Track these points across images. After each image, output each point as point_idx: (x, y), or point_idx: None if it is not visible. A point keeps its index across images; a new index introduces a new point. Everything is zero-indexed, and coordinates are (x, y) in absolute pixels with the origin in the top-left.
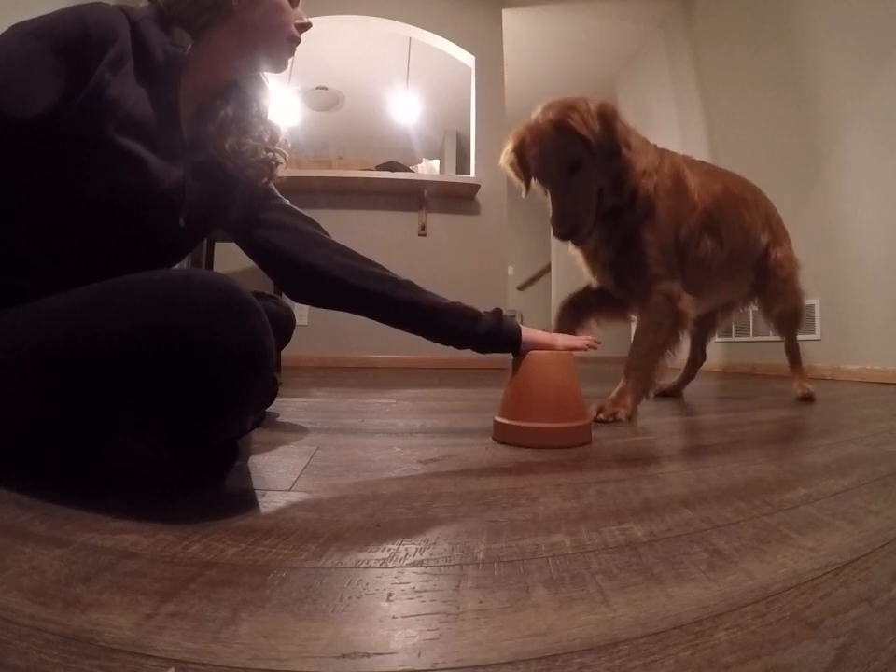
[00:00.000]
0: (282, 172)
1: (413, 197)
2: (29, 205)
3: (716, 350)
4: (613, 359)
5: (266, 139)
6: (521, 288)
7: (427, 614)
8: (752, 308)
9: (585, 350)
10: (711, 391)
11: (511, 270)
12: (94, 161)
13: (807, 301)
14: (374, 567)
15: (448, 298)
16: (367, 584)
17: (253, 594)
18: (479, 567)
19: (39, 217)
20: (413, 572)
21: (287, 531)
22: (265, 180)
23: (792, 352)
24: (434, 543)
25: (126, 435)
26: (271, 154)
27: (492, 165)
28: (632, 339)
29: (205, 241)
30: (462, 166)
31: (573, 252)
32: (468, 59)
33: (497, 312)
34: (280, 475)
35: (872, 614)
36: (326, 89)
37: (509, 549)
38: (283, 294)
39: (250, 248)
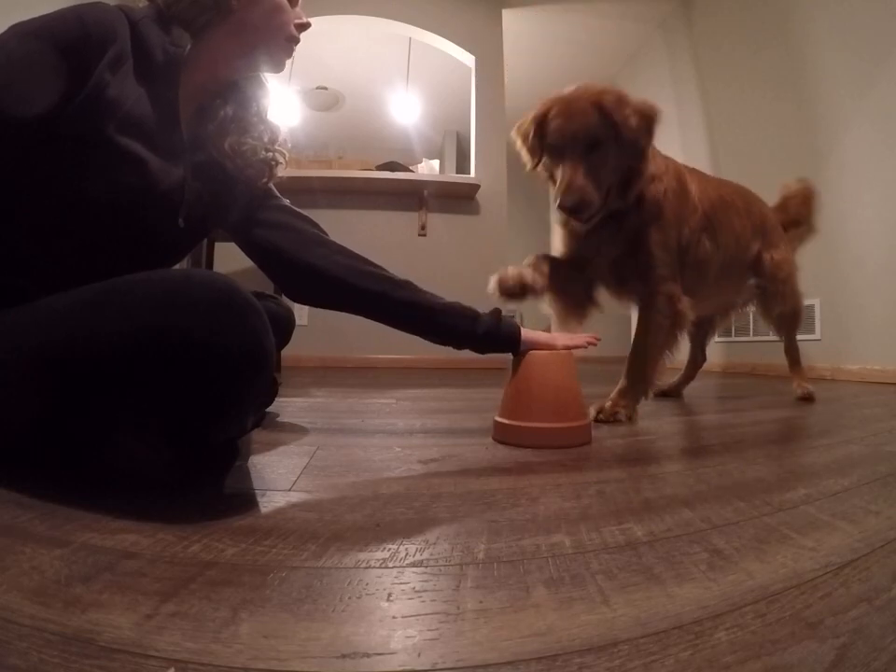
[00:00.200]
0: (282, 172)
1: (413, 197)
2: (29, 205)
3: (716, 350)
4: (613, 359)
5: (266, 139)
6: None
7: (426, 614)
8: (751, 308)
9: (585, 347)
10: (711, 391)
11: None
12: (94, 161)
13: (807, 301)
14: (374, 567)
15: (448, 298)
16: (367, 584)
17: (253, 594)
18: (479, 567)
19: (39, 217)
20: (413, 572)
21: (287, 531)
22: (265, 180)
23: (792, 352)
24: (434, 543)
25: (126, 435)
26: (270, 154)
27: (492, 165)
28: (632, 339)
29: (205, 241)
30: (462, 166)
31: (560, 230)
32: (468, 59)
33: (497, 312)
34: (280, 475)
35: (872, 614)
36: (326, 89)
37: (509, 549)
38: (283, 294)
39: (250, 248)
